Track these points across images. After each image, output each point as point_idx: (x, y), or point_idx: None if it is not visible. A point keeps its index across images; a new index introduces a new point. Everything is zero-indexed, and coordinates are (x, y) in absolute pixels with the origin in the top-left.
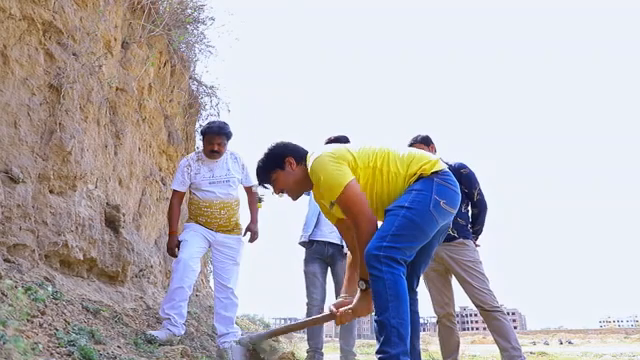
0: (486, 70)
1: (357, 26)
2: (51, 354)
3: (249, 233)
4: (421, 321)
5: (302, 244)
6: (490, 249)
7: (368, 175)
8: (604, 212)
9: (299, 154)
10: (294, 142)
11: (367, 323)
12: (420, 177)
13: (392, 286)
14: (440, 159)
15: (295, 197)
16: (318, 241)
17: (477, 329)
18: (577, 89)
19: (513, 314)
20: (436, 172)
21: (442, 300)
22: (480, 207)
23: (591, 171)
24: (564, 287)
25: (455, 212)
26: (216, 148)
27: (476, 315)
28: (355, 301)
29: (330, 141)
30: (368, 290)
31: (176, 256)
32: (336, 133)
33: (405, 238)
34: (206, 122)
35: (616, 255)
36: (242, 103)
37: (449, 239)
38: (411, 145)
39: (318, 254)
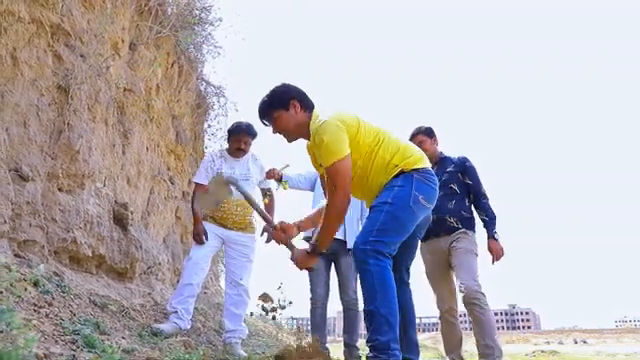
0: (484, 72)
1: (362, 25)
2: (56, 341)
3: (266, 234)
4: (433, 320)
5: (306, 239)
6: (504, 248)
7: (363, 153)
8: (620, 210)
9: (305, 101)
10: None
11: None
12: (401, 171)
13: (379, 277)
14: (425, 157)
15: (291, 140)
16: None
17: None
18: (586, 86)
19: (527, 313)
20: (417, 169)
21: (443, 295)
22: (486, 197)
23: (606, 170)
24: (579, 286)
25: (432, 207)
26: (243, 146)
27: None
28: (300, 250)
29: None
30: (313, 255)
31: (203, 242)
32: None
33: (389, 232)
34: (214, 122)
35: (633, 254)
36: (249, 102)
37: (452, 230)
38: (414, 135)
39: None
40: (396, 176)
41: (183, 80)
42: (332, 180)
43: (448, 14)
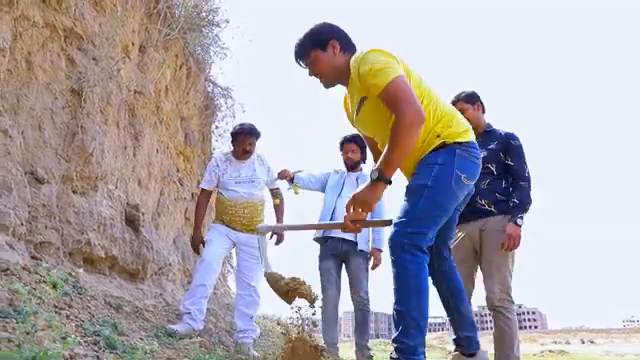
0: (491, 69)
1: (369, 23)
2: (78, 342)
3: (275, 236)
4: (439, 320)
5: (316, 240)
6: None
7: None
8: (626, 209)
9: (346, 41)
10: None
11: (384, 322)
12: (443, 143)
13: (415, 277)
14: (471, 128)
15: (328, 85)
16: (332, 237)
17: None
18: (602, 83)
19: (533, 313)
20: (460, 142)
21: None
22: (529, 182)
23: (613, 169)
24: (586, 286)
25: (473, 183)
26: (248, 148)
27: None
28: (359, 188)
29: (346, 140)
30: (377, 183)
31: (199, 253)
32: (351, 132)
33: (429, 221)
34: (222, 123)
35: None
36: (256, 103)
37: (483, 214)
38: (453, 104)
39: (332, 250)
40: (436, 149)
41: (191, 82)
42: (396, 100)
43: (452, 13)
